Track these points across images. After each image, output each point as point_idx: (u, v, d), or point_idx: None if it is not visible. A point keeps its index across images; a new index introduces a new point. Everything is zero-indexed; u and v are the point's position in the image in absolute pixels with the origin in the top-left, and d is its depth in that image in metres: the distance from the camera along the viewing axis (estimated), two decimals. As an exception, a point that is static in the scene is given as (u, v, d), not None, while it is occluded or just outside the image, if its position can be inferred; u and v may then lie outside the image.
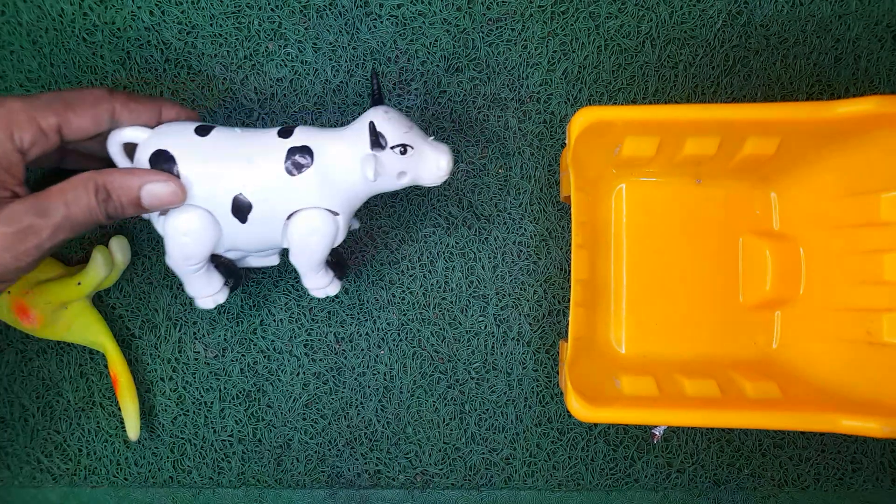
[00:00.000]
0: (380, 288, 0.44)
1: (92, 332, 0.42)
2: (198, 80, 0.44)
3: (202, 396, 0.45)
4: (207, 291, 0.38)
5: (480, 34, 0.44)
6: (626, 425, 0.44)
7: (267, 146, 0.35)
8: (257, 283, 0.44)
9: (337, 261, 0.40)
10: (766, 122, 0.36)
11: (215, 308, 0.44)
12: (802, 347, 0.41)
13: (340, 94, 0.44)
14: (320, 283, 0.38)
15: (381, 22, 0.44)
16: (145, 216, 0.37)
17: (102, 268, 0.40)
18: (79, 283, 0.40)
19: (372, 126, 0.34)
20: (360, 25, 0.44)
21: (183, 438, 0.45)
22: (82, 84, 0.44)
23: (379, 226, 0.44)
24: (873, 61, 0.43)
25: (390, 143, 0.34)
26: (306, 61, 0.44)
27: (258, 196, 0.35)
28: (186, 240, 0.35)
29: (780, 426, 0.35)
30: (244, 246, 0.37)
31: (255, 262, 0.40)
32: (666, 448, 0.44)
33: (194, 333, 0.44)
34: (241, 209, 0.35)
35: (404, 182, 0.35)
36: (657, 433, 0.44)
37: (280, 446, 0.44)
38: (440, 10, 0.44)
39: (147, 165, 0.34)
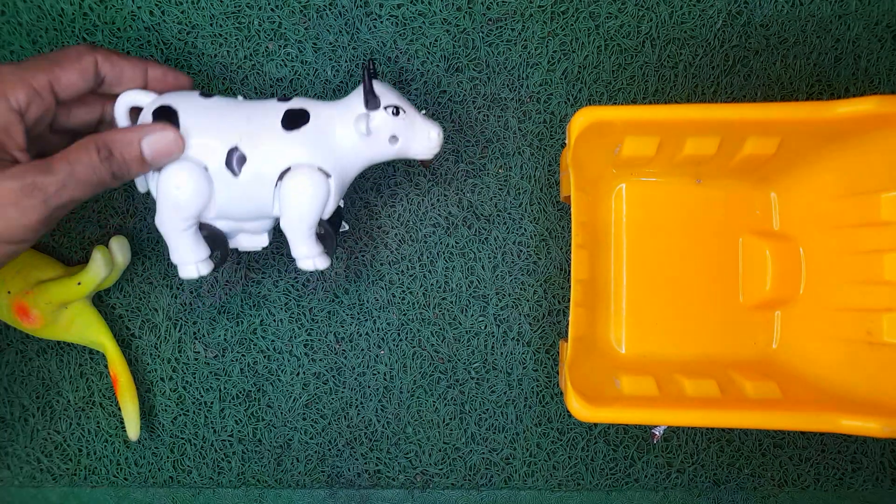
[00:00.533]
0: (380, 288, 0.44)
1: (92, 331, 0.42)
2: (198, 80, 0.44)
3: (202, 396, 0.45)
4: (192, 258, 0.38)
5: (480, 34, 0.44)
6: (626, 425, 0.44)
7: (265, 107, 0.37)
8: (257, 283, 0.44)
9: (325, 234, 0.40)
10: (766, 122, 0.36)
11: (215, 309, 0.44)
12: (802, 347, 0.41)
13: (340, 94, 0.44)
14: (310, 252, 0.38)
15: (381, 22, 0.44)
16: (142, 188, 0.38)
17: (102, 268, 0.40)
18: (79, 283, 0.40)
19: (368, 77, 0.35)
20: (360, 25, 0.44)
21: (183, 438, 0.45)
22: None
23: (379, 226, 0.44)
24: (873, 61, 0.43)
25: (384, 104, 0.36)
26: (306, 61, 0.44)
27: (253, 150, 0.36)
28: (178, 192, 0.36)
29: (780, 426, 0.35)
30: (235, 210, 0.37)
31: (244, 241, 0.40)
32: (666, 448, 0.44)
33: (194, 333, 0.44)
34: (234, 162, 0.36)
35: (396, 148, 0.37)
36: (657, 433, 0.44)
37: (280, 446, 0.44)
38: (440, 10, 0.44)
39: (150, 121, 0.36)
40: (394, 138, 0.36)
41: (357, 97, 0.36)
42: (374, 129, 0.36)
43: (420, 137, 0.37)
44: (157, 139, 0.34)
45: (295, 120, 0.36)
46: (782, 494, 0.44)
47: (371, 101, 0.36)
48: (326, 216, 0.38)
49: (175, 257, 0.38)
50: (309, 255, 0.38)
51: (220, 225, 0.38)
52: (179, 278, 0.44)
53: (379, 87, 0.36)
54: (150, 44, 0.44)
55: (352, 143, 0.36)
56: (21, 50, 0.44)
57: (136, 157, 0.34)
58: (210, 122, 0.36)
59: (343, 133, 0.36)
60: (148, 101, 0.36)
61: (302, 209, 0.36)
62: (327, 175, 0.37)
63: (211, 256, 0.38)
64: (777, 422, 0.35)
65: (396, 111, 0.36)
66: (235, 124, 0.36)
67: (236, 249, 0.40)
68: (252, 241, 0.40)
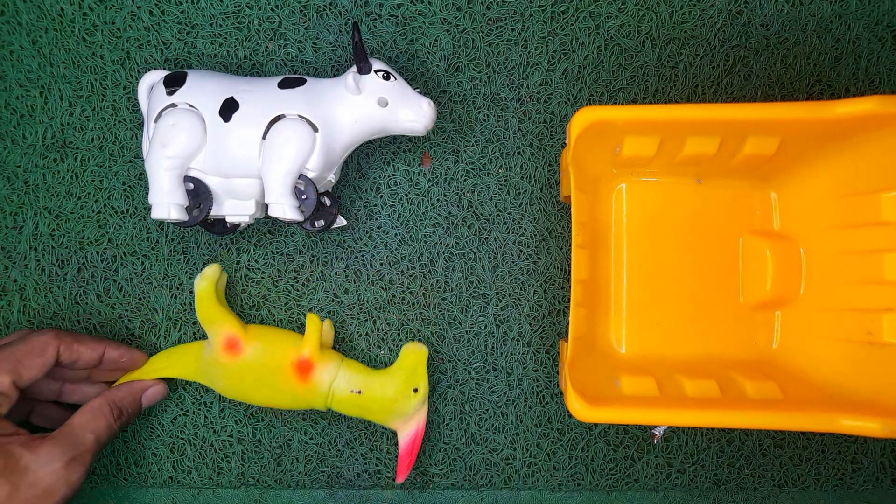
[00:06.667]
0: (380, 288, 0.44)
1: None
2: (198, 80, 0.44)
3: (202, 396, 0.44)
4: (167, 199, 0.38)
5: (480, 34, 0.44)
6: (626, 425, 0.44)
7: (267, 78, 0.40)
8: (257, 283, 0.44)
9: (329, 206, 0.41)
10: (766, 122, 0.36)
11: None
12: (802, 347, 0.41)
13: (340, 94, 0.44)
14: (283, 199, 0.38)
15: (381, 22, 0.44)
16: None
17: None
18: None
19: (357, 37, 0.36)
20: (361, 25, 0.44)
21: (183, 438, 0.45)
22: (81, 81, 0.44)
23: (379, 225, 0.44)
24: (873, 61, 0.43)
25: (375, 68, 0.38)
26: (306, 61, 0.44)
27: (247, 99, 0.38)
28: (170, 129, 0.38)
29: (780, 426, 0.35)
30: (222, 160, 0.38)
31: (231, 207, 0.40)
32: (666, 448, 0.44)
33: (194, 333, 0.44)
34: (228, 108, 0.38)
35: (385, 113, 0.38)
36: (657, 433, 0.44)
37: (280, 446, 0.44)
38: (440, 10, 0.44)
39: (162, 87, 0.39)
40: (383, 100, 0.38)
41: (352, 70, 0.38)
42: (363, 88, 0.38)
43: (411, 104, 0.38)
44: (153, 393, 0.42)
45: (291, 82, 0.39)
46: (782, 495, 0.44)
47: (362, 65, 0.38)
48: (312, 174, 0.38)
49: (152, 196, 0.38)
50: (280, 202, 0.38)
51: (209, 182, 0.39)
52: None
53: (373, 59, 0.38)
54: (150, 44, 0.44)
55: (341, 103, 0.38)
56: (21, 50, 0.44)
57: (139, 409, 0.41)
58: (212, 80, 0.39)
59: (334, 95, 0.38)
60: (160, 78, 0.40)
61: (282, 151, 0.37)
62: (315, 129, 0.38)
63: (189, 210, 0.39)
64: (777, 422, 0.35)
65: (387, 76, 0.38)
66: (236, 84, 0.39)
67: (225, 221, 0.41)
68: (239, 207, 0.40)
